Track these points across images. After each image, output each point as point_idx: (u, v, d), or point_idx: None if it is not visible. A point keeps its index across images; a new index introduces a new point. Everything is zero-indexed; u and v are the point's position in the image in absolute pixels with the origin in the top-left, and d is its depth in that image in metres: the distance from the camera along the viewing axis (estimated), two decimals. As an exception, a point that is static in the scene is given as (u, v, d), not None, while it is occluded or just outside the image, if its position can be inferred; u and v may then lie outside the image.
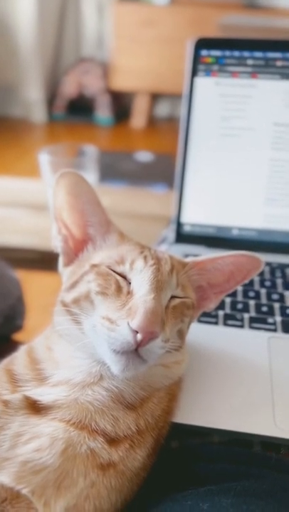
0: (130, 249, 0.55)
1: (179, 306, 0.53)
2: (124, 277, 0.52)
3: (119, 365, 0.46)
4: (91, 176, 1.35)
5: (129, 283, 0.51)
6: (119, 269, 0.52)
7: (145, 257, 0.53)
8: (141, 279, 0.50)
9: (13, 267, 1.18)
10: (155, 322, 0.46)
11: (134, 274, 0.51)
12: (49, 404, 0.48)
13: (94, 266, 0.54)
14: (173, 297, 0.53)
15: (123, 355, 0.46)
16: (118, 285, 0.51)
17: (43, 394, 0.49)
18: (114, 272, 0.52)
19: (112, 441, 0.47)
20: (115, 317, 0.47)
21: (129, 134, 4.19)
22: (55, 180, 0.56)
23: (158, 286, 0.50)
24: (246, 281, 0.59)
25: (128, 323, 0.46)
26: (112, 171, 3.06)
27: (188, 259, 0.59)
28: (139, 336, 0.45)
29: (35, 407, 0.48)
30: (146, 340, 0.45)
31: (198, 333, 0.66)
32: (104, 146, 3.73)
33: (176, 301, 0.53)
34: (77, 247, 0.59)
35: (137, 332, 0.45)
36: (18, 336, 1.11)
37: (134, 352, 0.46)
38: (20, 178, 1.72)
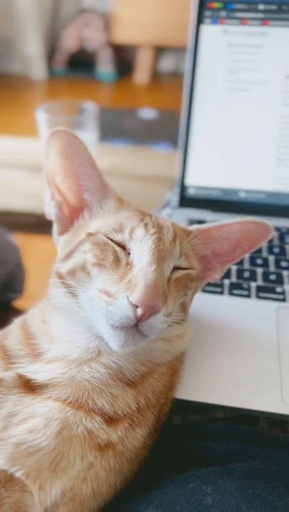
0: (129, 216, 0.50)
1: (182, 278, 0.49)
2: (122, 247, 0.48)
3: (118, 341, 0.43)
4: (91, 135, 1.28)
5: (129, 253, 0.48)
6: (118, 237, 0.48)
7: (146, 225, 0.49)
8: (141, 249, 0.47)
9: (12, 231, 1.14)
10: (156, 296, 0.42)
11: (133, 244, 0.48)
12: (44, 382, 0.45)
13: (90, 235, 0.50)
14: (176, 268, 0.49)
15: (122, 330, 0.43)
16: (116, 256, 0.47)
17: (37, 371, 0.47)
18: (112, 241, 0.48)
19: (110, 420, 0.44)
20: (113, 290, 0.44)
21: (131, 90, 4.04)
22: (46, 140, 0.51)
23: (160, 256, 0.46)
24: (254, 249, 0.55)
25: (127, 297, 0.42)
26: (113, 129, 2.96)
27: (193, 227, 0.55)
28: (139, 311, 0.41)
29: (29, 386, 0.45)
30: (146, 315, 0.42)
31: (202, 303, 0.63)
32: (105, 102, 3.61)
33: (180, 272, 0.49)
34: (73, 214, 0.55)
35: (136, 306, 0.42)
36: (18, 303, 1.09)
37: (134, 327, 0.43)
38: (19, 137, 1.65)
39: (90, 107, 1.29)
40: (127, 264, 0.46)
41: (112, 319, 0.43)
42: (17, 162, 1.40)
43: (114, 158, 1.48)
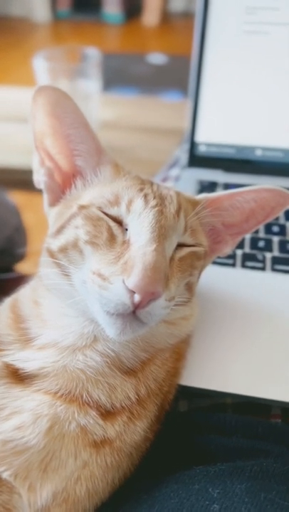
0: (127, 186, 0.44)
1: (187, 256, 0.43)
2: (119, 222, 0.42)
3: (114, 329, 0.39)
4: (94, 84, 1.20)
5: (126, 229, 0.42)
6: (113, 211, 0.42)
7: (145, 196, 0.43)
8: (140, 225, 0.41)
9: (11, 190, 1.08)
10: (157, 280, 0.37)
11: (131, 218, 0.42)
12: (34, 372, 0.41)
13: (82, 207, 0.44)
14: (180, 245, 0.43)
15: (118, 317, 0.38)
16: (111, 233, 0.41)
17: (27, 359, 0.43)
18: (106, 215, 0.42)
19: (107, 414, 0.41)
20: (108, 273, 0.39)
21: (140, 33, 3.81)
22: (32, 98, 0.45)
23: (161, 233, 0.40)
24: (269, 220, 0.49)
25: (123, 281, 0.37)
26: (120, 76, 2.80)
27: (201, 196, 0.48)
28: (136, 297, 0.36)
29: (17, 376, 0.42)
30: (145, 302, 0.37)
31: (211, 277, 0.57)
32: (112, 47, 3.40)
33: (184, 250, 0.43)
34: (66, 183, 0.49)
35: (134, 292, 0.36)
36: (21, 266, 1.04)
37: (132, 314, 0.38)
38: (18, 87, 1.55)
39: (93, 54, 1.19)
40: (124, 242, 0.41)
41: (107, 305, 0.38)
42: (16, 115, 1.31)
43: (119, 109, 1.40)
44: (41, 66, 1.15)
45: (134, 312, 0.37)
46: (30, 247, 1.02)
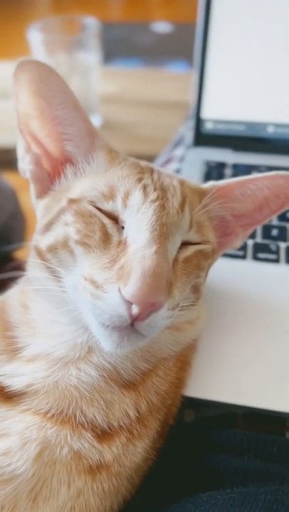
0: (123, 176, 0.39)
1: (193, 256, 0.38)
2: (114, 219, 0.37)
3: (110, 342, 0.34)
4: (93, 56, 1.13)
5: (122, 227, 0.36)
6: (108, 206, 0.37)
7: (144, 188, 0.37)
8: (138, 222, 0.36)
9: (7, 171, 1.02)
10: (158, 288, 0.32)
11: (128, 215, 0.36)
12: (22, 390, 0.37)
13: (72, 201, 0.38)
14: (184, 244, 0.38)
15: (114, 330, 0.34)
16: (105, 232, 0.36)
17: (14, 374, 0.38)
18: (100, 210, 0.37)
19: (103, 435, 0.37)
20: (102, 279, 0.34)
21: (144, 0, 3.62)
22: (13, 75, 0.39)
23: (162, 232, 0.35)
24: (284, 209, 0.44)
25: (119, 290, 0.32)
26: (123, 46, 2.68)
27: (208, 185, 0.43)
28: (135, 309, 0.32)
29: (4, 393, 0.37)
30: (144, 314, 0.32)
31: (219, 271, 0.51)
32: (115, 15, 3.25)
33: (190, 249, 0.38)
34: (55, 171, 0.43)
35: (131, 303, 0.31)
36: (20, 253, 1.00)
37: (129, 327, 0.33)
38: (15, 61, 1.46)
39: (92, 24, 1.11)
40: (120, 242, 0.36)
41: (101, 317, 0.34)
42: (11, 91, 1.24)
43: (121, 82, 1.33)
44: (36, 38, 1.07)
45: (132, 324, 0.33)
46: (29, 233, 0.97)
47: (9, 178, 0.93)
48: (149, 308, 0.32)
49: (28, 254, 0.43)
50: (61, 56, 1.10)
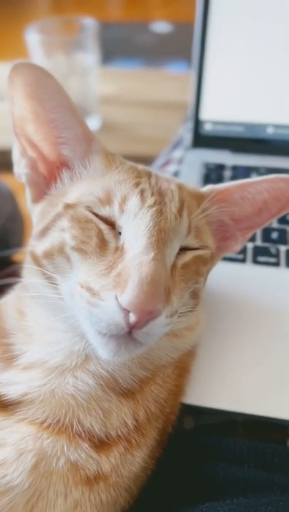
0: (120, 180, 0.38)
1: (191, 262, 0.38)
2: (111, 224, 0.36)
3: (108, 350, 0.34)
4: (92, 57, 1.12)
5: (119, 233, 0.36)
6: (105, 211, 0.37)
7: (142, 193, 0.37)
8: (135, 228, 0.35)
9: (5, 173, 1.01)
10: (155, 296, 0.32)
11: (125, 220, 0.36)
12: (18, 398, 0.36)
13: (68, 206, 0.38)
14: (183, 249, 0.37)
15: (111, 338, 0.33)
16: (102, 238, 0.36)
17: (10, 382, 0.38)
18: (96, 216, 0.36)
19: (101, 444, 0.36)
20: (98, 287, 0.33)
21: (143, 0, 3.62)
22: (8, 78, 0.39)
23: (160, 238, 0.34)
24: (284, 213, 0.44)
25: (116, 298, 0.32)
26: (122, 47, 2.67)
27: (207, 188, 0.42)
28: (132, 317, 0.31)
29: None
30: (142, 323, 0.32)
31: (218, 275, 0.51)
32: (114, 15, 3.25)
33: (188, 255, 0.38)
34: (51, 176, 0.43)
35: (129, 311, 0.31)
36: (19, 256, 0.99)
37: (127, 335, 0.32)
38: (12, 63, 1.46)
39: (91, 24, 1.10)
40: (117, 248, 0.35)
41: (98, 325, 0.33)
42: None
43: (120, 83, 1.32)
44: (35, 39, 1.06)
45: (129, 332, 0.32)
46: (27, 236, 0.97)
47: (7, 180, 0.93)
48: (147, 316, 0.31)
49: (24, 259, 0.42)
50: (60, 57, 1.10)
